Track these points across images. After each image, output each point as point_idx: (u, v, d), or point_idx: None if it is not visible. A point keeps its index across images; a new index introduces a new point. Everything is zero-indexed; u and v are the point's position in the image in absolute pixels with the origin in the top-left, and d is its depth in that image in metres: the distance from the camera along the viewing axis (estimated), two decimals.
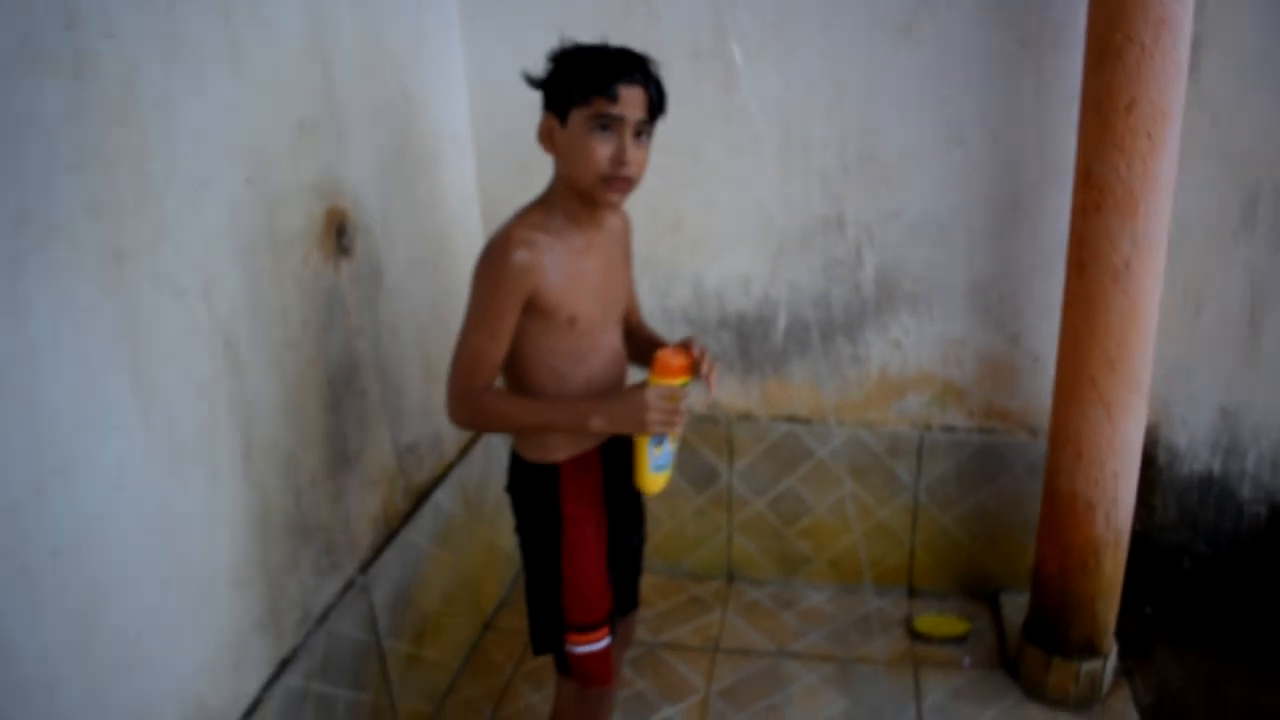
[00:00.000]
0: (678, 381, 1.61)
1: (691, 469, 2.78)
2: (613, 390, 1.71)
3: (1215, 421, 2.48)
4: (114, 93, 1.39)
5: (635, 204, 2.57)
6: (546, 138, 1.63)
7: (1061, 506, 2.25)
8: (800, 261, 2.54)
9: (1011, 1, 2.25)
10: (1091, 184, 2.02)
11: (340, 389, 2.03)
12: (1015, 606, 2.65)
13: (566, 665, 1.79)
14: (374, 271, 2.15)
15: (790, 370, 2.65)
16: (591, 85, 1.54)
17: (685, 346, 1.64)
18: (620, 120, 1.56)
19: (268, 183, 1.75)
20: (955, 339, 2.53)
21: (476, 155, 2.61)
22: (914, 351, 2.57)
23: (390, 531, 2.25)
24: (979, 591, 2.75)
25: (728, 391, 2.70)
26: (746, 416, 2.71)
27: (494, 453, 2.74)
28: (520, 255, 1.57)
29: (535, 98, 2.52)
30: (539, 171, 2.48)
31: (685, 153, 2.50)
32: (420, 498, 2.39)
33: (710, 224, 2.56)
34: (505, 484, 1.83)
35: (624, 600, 1.94)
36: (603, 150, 1.57)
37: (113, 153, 1.39)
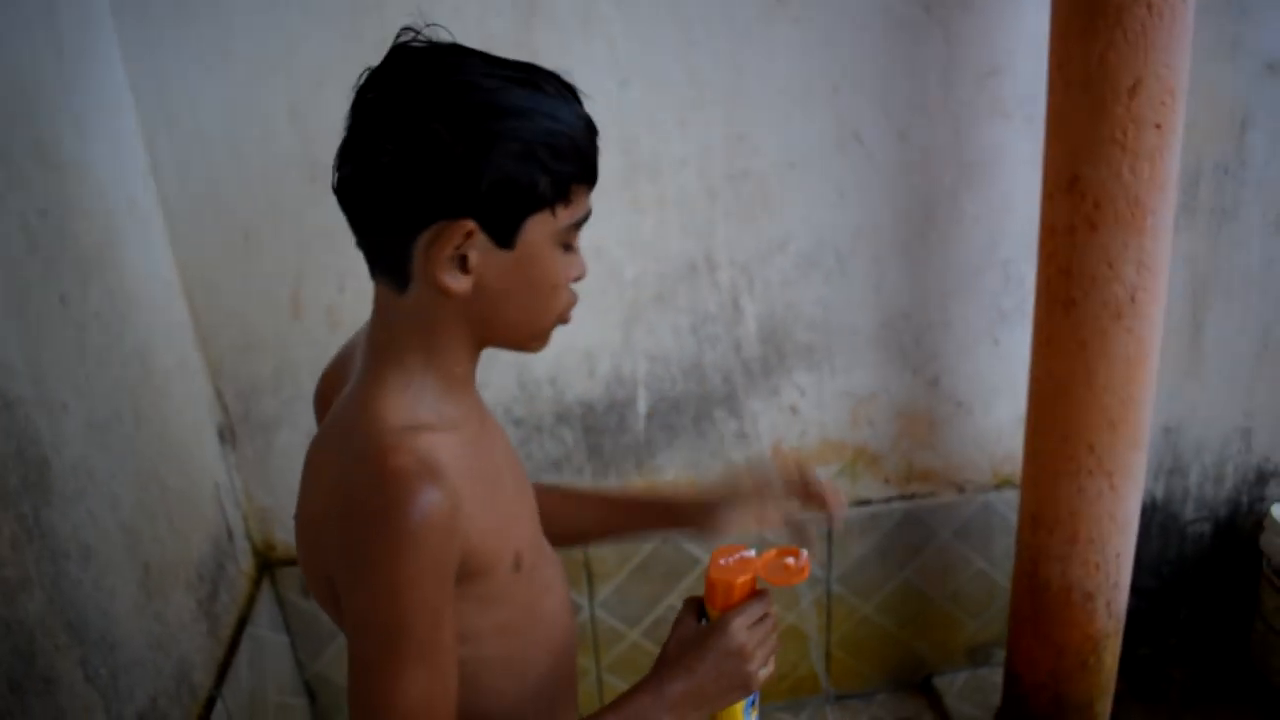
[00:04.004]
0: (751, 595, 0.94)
1: None
2: (671, 658, 0.93)
3: (1157, 442, 2.10)
4: None
5: None
6: (452, 264, 0.83)
7: (1050, 601, 1.76)
8: (660, 323, 1.87)
9: None
10: (1081, 194, 1.50)
11: (3, 701, 1.14)
12: (957, 692, 2.18)
13: None
14: (34, 470, 1.26)
15: (658, 464, 1.98)
16: (578, 170, 0.85)
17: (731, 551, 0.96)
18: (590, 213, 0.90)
19: None
20: (864, 394, 1.97)
21: (169, 227, 1.71)
22: (814, 416, 1.98)
23: None
24: (908, 682, 2.26)
25: None
26: None
27: (264, 651, 1.88)
28: (431, 500, 0.80)
29: (254, 131, 1.68)
30: (272, 237, 1.67)
31: None
32: None
33: None
34: None
35: None
36: (568, 272, 0.90)
37: None
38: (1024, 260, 1.88)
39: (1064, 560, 1.71)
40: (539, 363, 1.87)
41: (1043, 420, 1.68)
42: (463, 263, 0.84)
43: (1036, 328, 1.66)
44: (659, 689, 0.89)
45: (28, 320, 1.28)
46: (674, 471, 1.99)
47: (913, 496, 2.07)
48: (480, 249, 0.83)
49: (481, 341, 0.91)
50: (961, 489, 2.07)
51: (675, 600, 2.08)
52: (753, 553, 0.95)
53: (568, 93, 0.85)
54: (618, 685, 2.15)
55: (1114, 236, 1.50)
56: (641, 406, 1.93)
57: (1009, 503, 2.06)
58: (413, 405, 0.87)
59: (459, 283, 0.84)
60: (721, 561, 0.94)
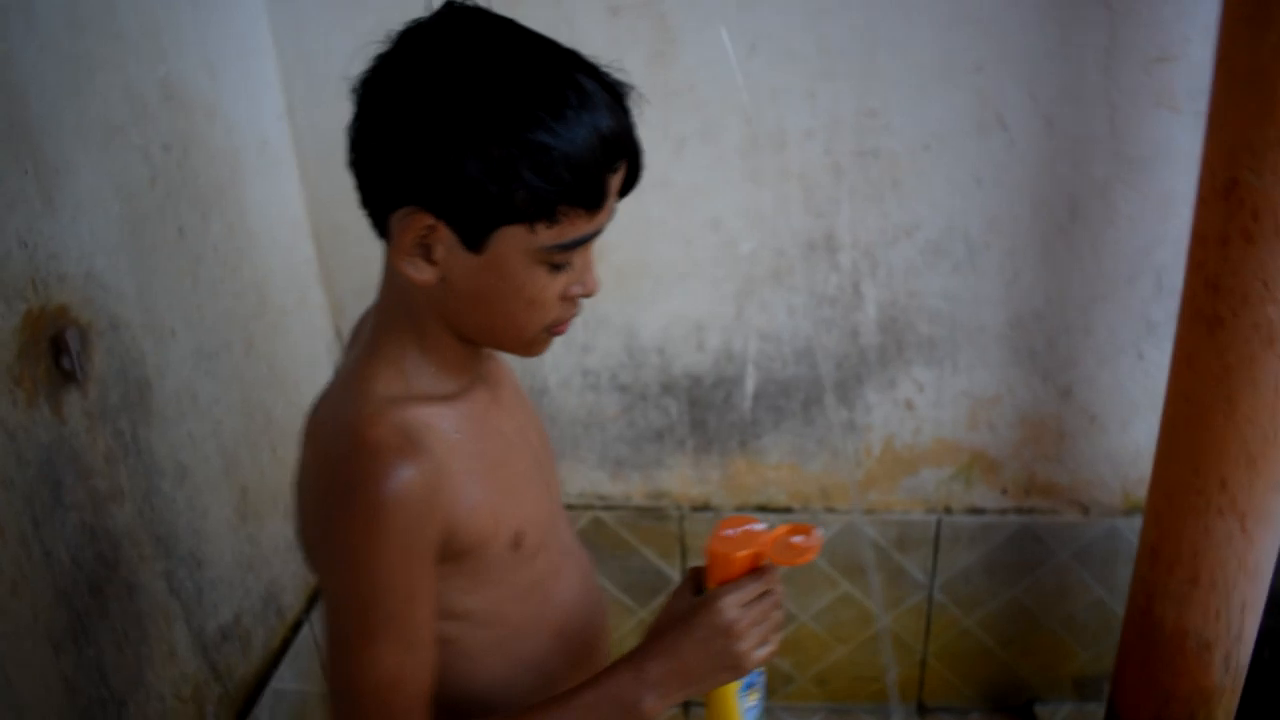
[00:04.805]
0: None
1: (632, 576, 2.05)
2: (657, 633, 0.88)
3: None
4: None
5: None
6: (416, 252, 0.81)
7: (1162, 644, 1.61)
8: (774, 301, 1.81)
9: None
10: (1239, 201, 1.34)
11: (84, 601, 1.22)
12: None
13: None
14: (135, 390, 1.33)
15: (763, 446, 1.93)
16: (569, 192, 0.77)
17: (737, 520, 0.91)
18: (596, 235, 0.83)
19: None
20: (987, 395, 1.85)
21: (299, 164, 1.77)
22: (931, 414, 1.88)
23: None
24: (1007, 704, 2.13)
25: (678, 477, 1.97)
26: (704, 507, 1.99)
27: None
28: (405, 478, 0.79)
29: None
30: None
31: None
32: (250, 695, 1.60)
33: (646, 252, 1.79)
34: None
35: None
36: (554, 288, 0.83)
37: None
38: (1181, 270, 1.70)
39: (1181, 602, 1.56)
40: (647, 331, 1.85)
41: (1174, 447, 1.53)
42: (428, 253, 0.80)
43: (1177, 344, 1.50)
44: (640, 665, 0.85)
45: (142, 249, 1.35)
46: (778, 455, 1.94)
47: (1031, 511, 1.93)
48: (447, 245, 0.80)
49: (459, 334, 0.88)
50: (1086, 509, 1.92)
51: None
52: (761, 527, 0.89)
53: (603, 104, 0.77)
54: None
55: (1272, 252, 1.34)
56: (749, 385, 1.88)
57: (1138, 531, 1.90)
58: (406, 377, 0.86)
59: (421, 272, 0.81)
60: (726, 533, 0.88)
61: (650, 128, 1.71)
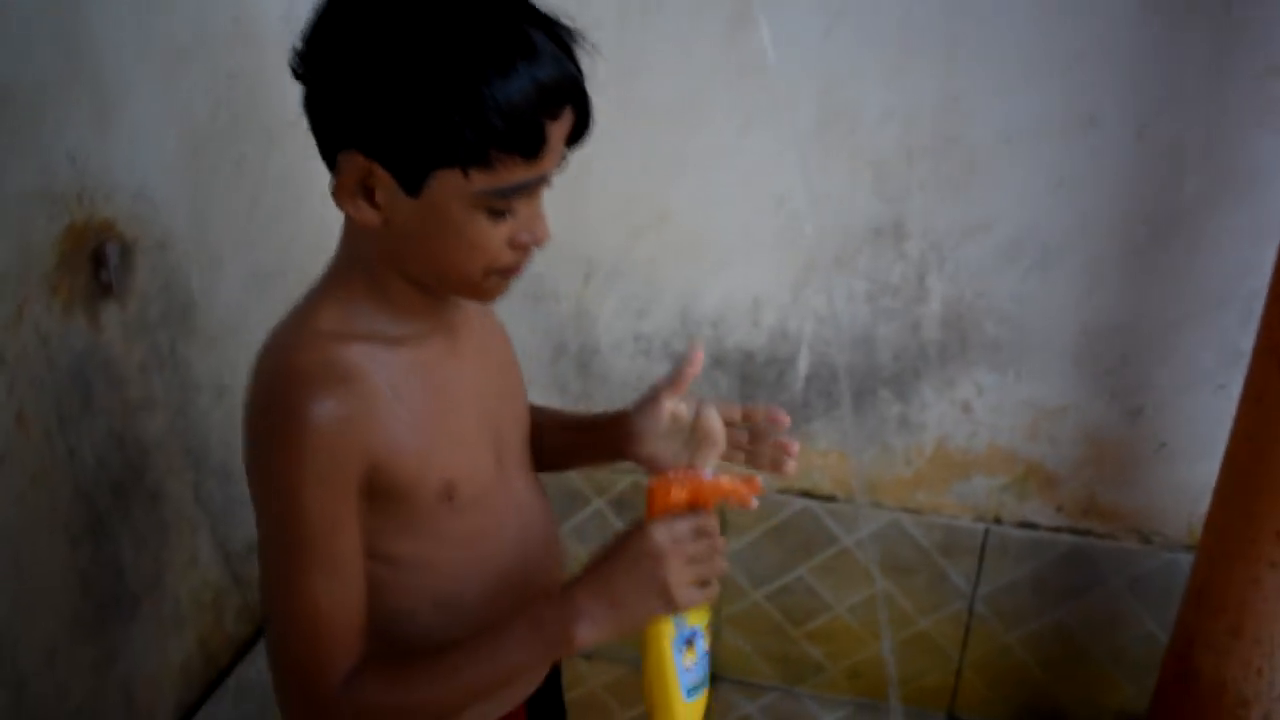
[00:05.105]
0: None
1: None
2: (593, 564, 0.87)
3: None
4: None
5: (604, 190, 1.79)
6: (358, 193, 0.82)
7: (1198, 693, 1.52)
8: (836, 285, 1.76)
9: None
10: None
11: (106, 501, 1.30)
12: None
13: None
14: (177, 308, 1.39)
15: (812, 431, 1.89)
16: (500, 138, 0.77)
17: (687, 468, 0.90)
18: (539, 182, 0.83)
19: None
20: (1050, 407, 1.76)
21: None
22: (989, 419, 1.80)
23: (217, 674, 1.56)
24: None
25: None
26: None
27: None
28: (322, 407, 0.81)
29: None
30: None
31: (676, 120, 1.69)
32: None
33: (708, 224, 1.76)
34: None
35: None
36: (498, 235, 0.83)
37: None
38: None
39: (1222, 653, 1.46)
40: (703, 302, 1.82)
41: (1232, 487, 1.43)
42: (370, 195, 0.81)
43: (1248, 378, 1.39)
44: (570, 595, 0.85)
45: (198, 174, 1.41)
46: (827, 442, 1.89)
47: (1087, 533, 1.84)
48: (386, 188, 0.81)
49: (407, 277, 0.88)
50: (1147, 539, 1.81)
51: (804, 572, 2.00)
52: (708, 473, 0.89)
53: (546, 53, 0.77)
54: (734, 640, 2.11)
55: None
56: (802, 367, 1.84)
57: None
58: (350, 316, 0.88)
59: (363, 214, 0.82)
60: (670, 475, 0.88)
61: (721, 97, 1.69)
